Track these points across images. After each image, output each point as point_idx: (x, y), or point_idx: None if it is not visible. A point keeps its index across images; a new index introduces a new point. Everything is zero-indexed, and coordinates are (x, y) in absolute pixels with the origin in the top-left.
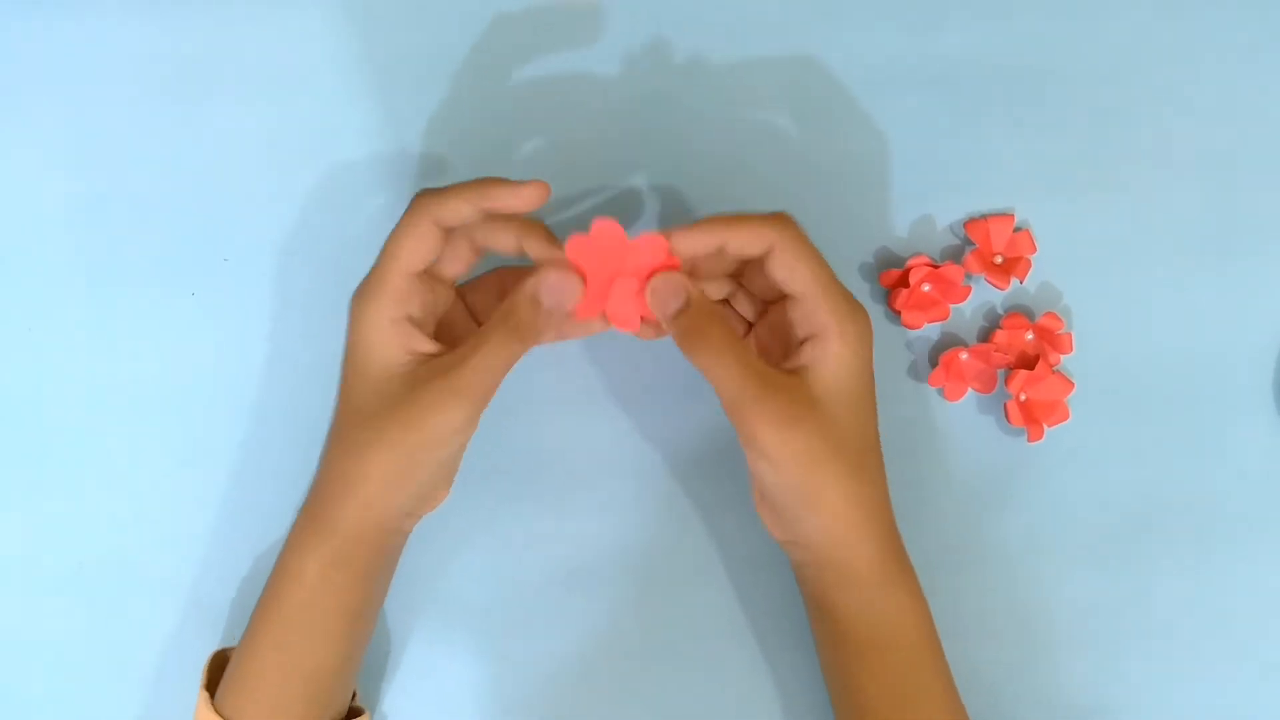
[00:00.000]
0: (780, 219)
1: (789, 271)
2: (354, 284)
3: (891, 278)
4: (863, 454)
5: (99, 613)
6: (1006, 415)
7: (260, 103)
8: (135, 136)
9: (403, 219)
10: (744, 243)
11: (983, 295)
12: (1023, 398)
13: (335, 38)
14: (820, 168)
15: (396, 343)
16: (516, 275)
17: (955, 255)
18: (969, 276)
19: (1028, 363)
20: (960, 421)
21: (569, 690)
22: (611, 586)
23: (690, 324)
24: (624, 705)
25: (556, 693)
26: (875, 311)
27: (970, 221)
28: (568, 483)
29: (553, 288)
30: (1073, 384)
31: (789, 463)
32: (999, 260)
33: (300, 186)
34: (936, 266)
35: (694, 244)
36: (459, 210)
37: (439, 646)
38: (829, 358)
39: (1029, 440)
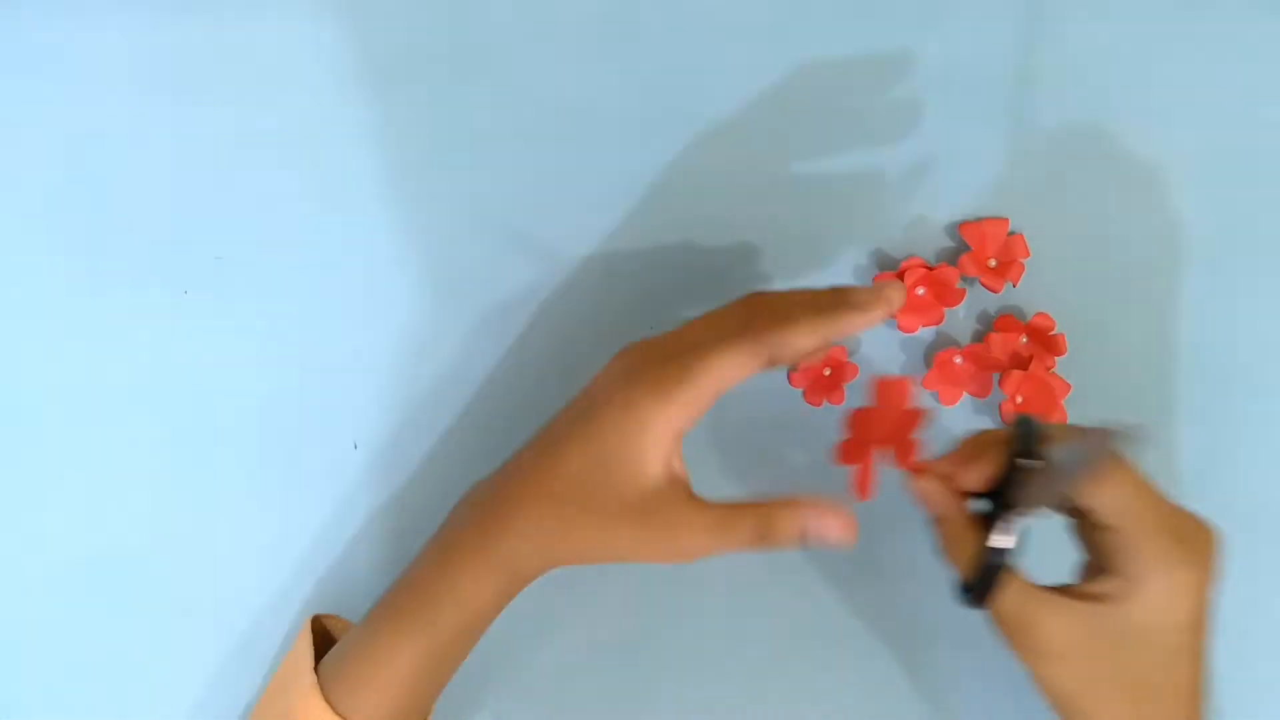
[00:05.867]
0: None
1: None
2: (349, 279)
3: (886, 280)
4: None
5: (91, 615)
6: (1002, 417)
7: (253, 100)
8: (128, 134)
9: (739, 344)
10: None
11: (976, 298)
12: (1019, 400)
13: (330, 36)
14: (816, 169)
15: (666, 460)
16: None
17: (950, 258)
18: (963, 279)
19: (1021, 365)
20: (956, 425)
21: (569, 690)
22: (613, 586)
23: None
24: (624, 705)
25: (556, 693)
26: None
27: (965, 224)
28: None
29: (818, 529)
30: (1069, 385)
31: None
32: (993, 263)
33: (293, 184)
34: (931, 269)
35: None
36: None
37: None
38: (1142, 606)
39: None
